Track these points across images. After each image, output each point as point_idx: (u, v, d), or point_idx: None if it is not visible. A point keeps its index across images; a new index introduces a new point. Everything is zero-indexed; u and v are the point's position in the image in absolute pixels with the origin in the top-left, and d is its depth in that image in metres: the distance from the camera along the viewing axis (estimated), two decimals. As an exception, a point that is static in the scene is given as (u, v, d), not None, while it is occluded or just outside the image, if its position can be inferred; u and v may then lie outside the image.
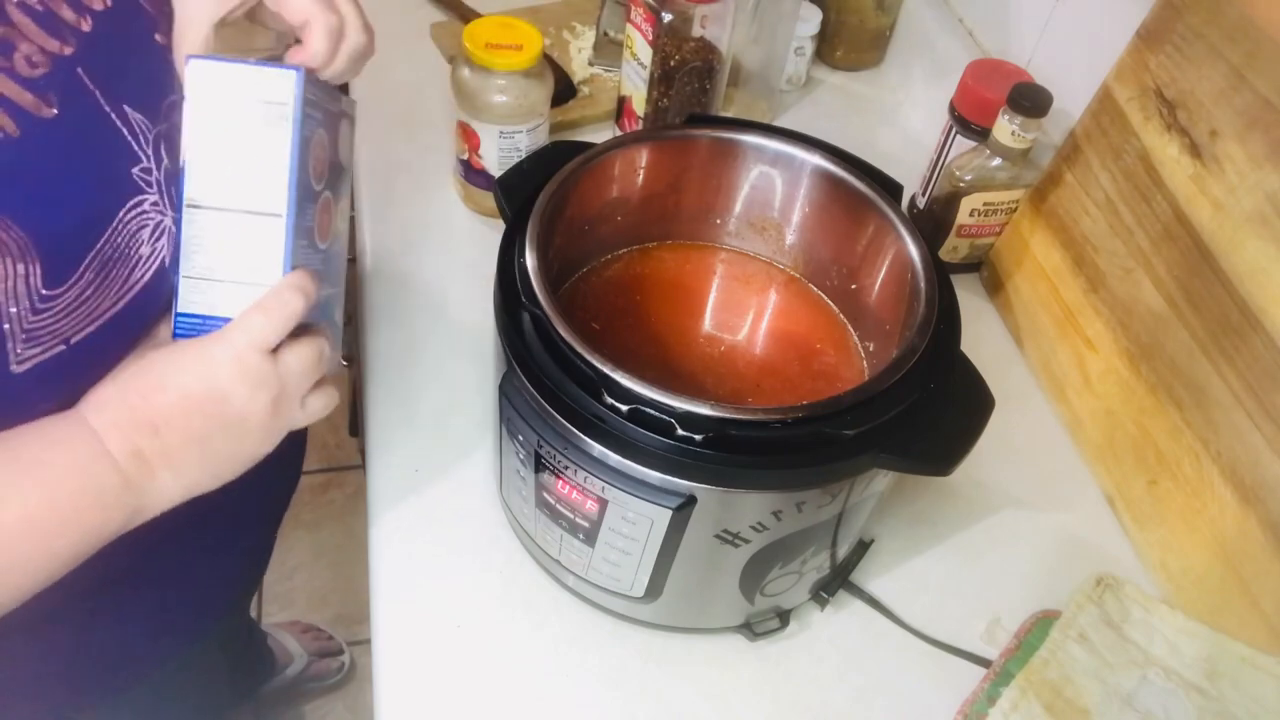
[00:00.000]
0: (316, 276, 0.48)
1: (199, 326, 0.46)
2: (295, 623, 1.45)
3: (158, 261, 0.49)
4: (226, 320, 0.45)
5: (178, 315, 0.46)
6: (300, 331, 0.47)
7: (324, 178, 0.49)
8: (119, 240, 0.46)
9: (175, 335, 0.46)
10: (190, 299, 0.46)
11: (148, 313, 0.48)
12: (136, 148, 0.46)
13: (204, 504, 0.48)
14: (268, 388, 0.46)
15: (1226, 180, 0.60)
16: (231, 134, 0.44)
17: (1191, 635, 0.61)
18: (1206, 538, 0.62)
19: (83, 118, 0.43)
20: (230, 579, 0.74)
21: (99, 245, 0.45)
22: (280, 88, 0.44)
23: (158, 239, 0.48)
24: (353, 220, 0.86)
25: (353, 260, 0.87)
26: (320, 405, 0.50)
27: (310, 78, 0.46)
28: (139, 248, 0.47)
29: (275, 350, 0.46)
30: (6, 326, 0.41)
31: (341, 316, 0.56)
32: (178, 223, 0.46)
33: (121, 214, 0.46)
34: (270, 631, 1.40)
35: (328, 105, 0.49)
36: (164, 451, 0.45)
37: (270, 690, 1.37)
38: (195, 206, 0.45)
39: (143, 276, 0.48)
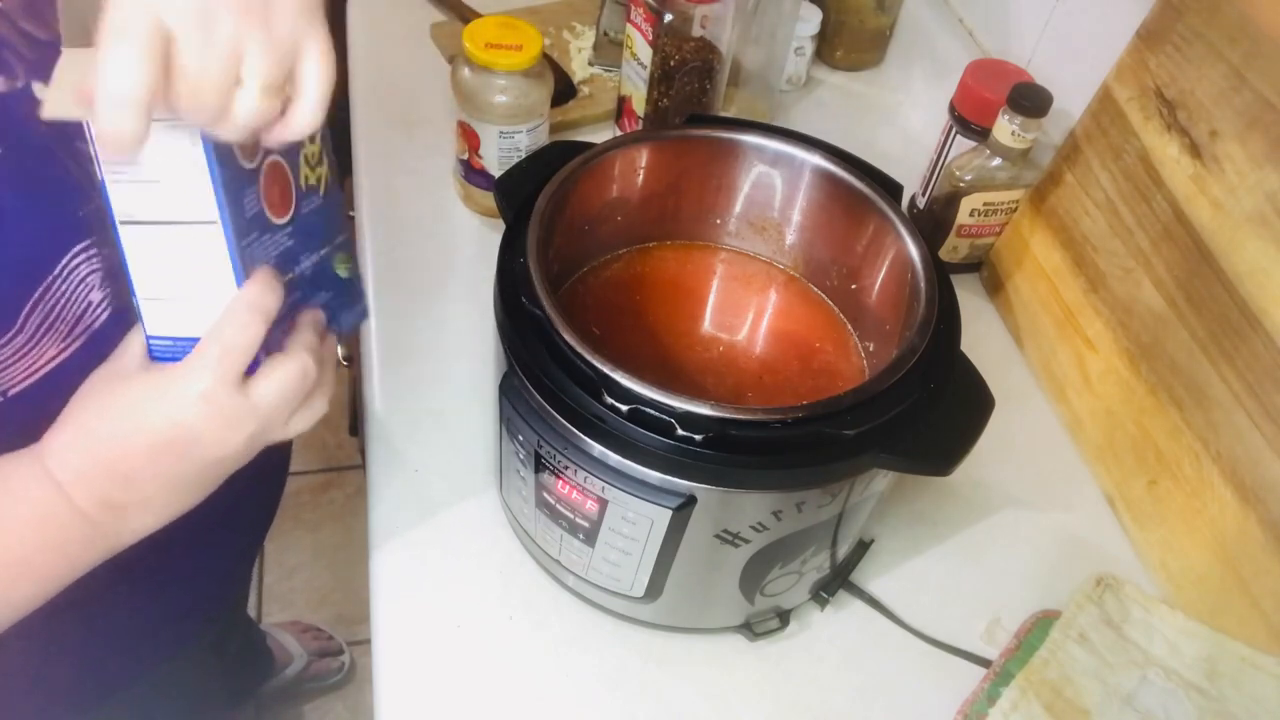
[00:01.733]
0: (278, 274, 0.43)
1: (171, 349, 0.43)
2: (295, 622, 1.45)
3: (110, 309, 0.45)
4: (196, 340, 0.42)
5: (149, 339, 0.43)
6: (293, 339, 0.44)
7: (258, 149, 0.42)
8: (64, 288, 0.44)
9: (152, 358, 0.43)
10: (154, 321, 0.43)
11: (96, 361, 0.44)
12: (86, 186, 0.43)
13: (190, 515, 0.46)
14: (241, 426, 0.42)
15: (1226, 180, 0.60)
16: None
17: (1191, 635, 0.61)
18: (1206, 538, 0.62)
19: (27, 155, 0.41)
20: (222, 577, 0.73)
21: (38, 295, 0.42)
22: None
23: (109, 283, 0.45)
24: (353, 220, 0.86)
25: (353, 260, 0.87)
26: (304, 424, 0.46)
27: None
28: (87, 293, 0.44)
29: (249, 375, 0.43)
30: None
31: (354, 267, 0.52)
32: (116, 241, 0.41)
33: (66, 260, 0.43)
34: (270, 631, 1.40)
35: None
36: (136, 498, 0.43)
37: (270, 690, 1.37)
38: (127, 223, 0.41)
39: (92, 323, 0.45)
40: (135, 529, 0.44)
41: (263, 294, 0.42)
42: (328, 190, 0.49)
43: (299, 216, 0.46)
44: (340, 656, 1.44)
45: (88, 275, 0.45)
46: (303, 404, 0.46)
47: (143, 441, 0.41)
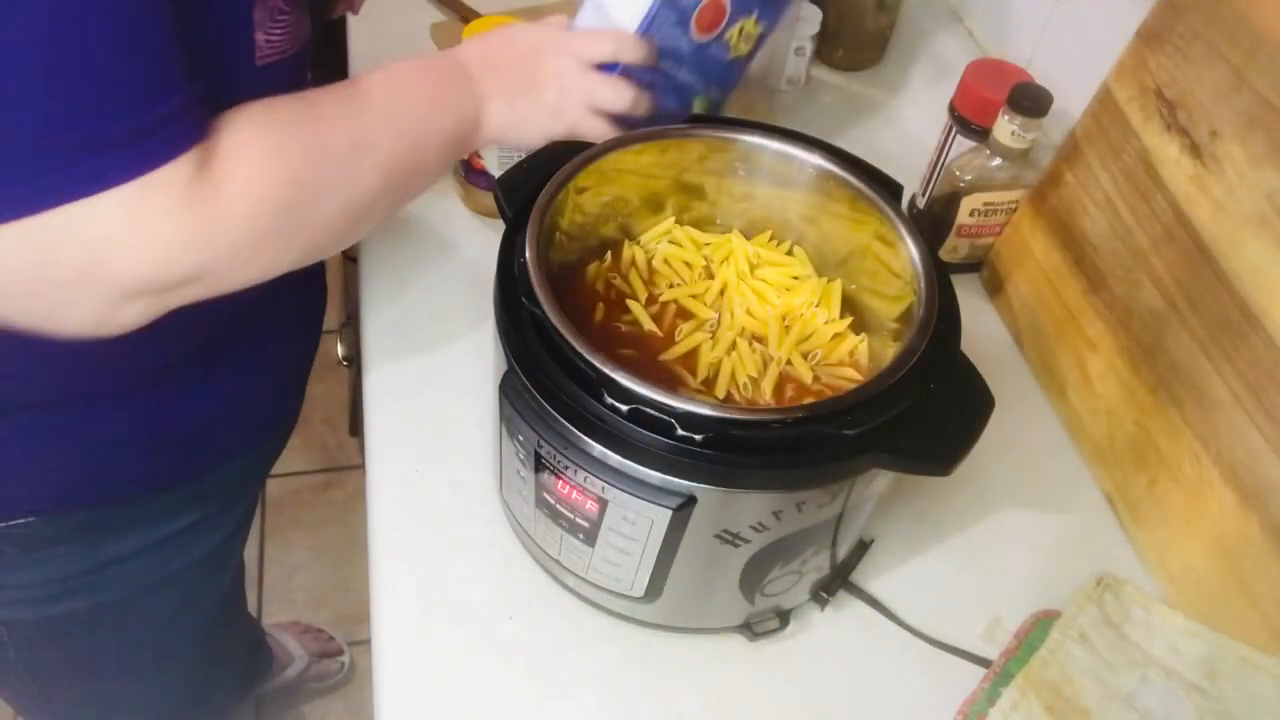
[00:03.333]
0: (656, 52, 0.63)
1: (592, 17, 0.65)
2: (295, 623, 1.45)
3: None
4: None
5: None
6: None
7: None
8: None
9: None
10: (585, 12, 0.65)
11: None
12: None
13: (260, 298, 0.54)
14: (569, 74, 0.62)
15: (1226, 180, 0.60)
16: None
17: (1191, 635, 0.61)
18: (1206, 538, 0.62)
19: None
20: (291, 369, 0.78)
21: None
22: None
23: None
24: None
25: (353, 260, 0.87)
26: (597, 126, 0.63)
27: None
28: None
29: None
30: (259, 35, 0.50)
31: (705, 104, 0.71)
32: None
33: None
34: (271, 632, 1.40)
35: None
36: (494, 76, 0.61)
37: (271, 689, 1.37)
38: None
39: None
40: (487, 112, 0.60)
41: (639, 46, 0.63)
42: (744, 64, 0.72)
43: (707, 51, 0.67)
44: (340, 657, 1.44)
45: None
46: (610, 118, 0.63)
47: (516, 47, 0.63)
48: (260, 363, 0.70)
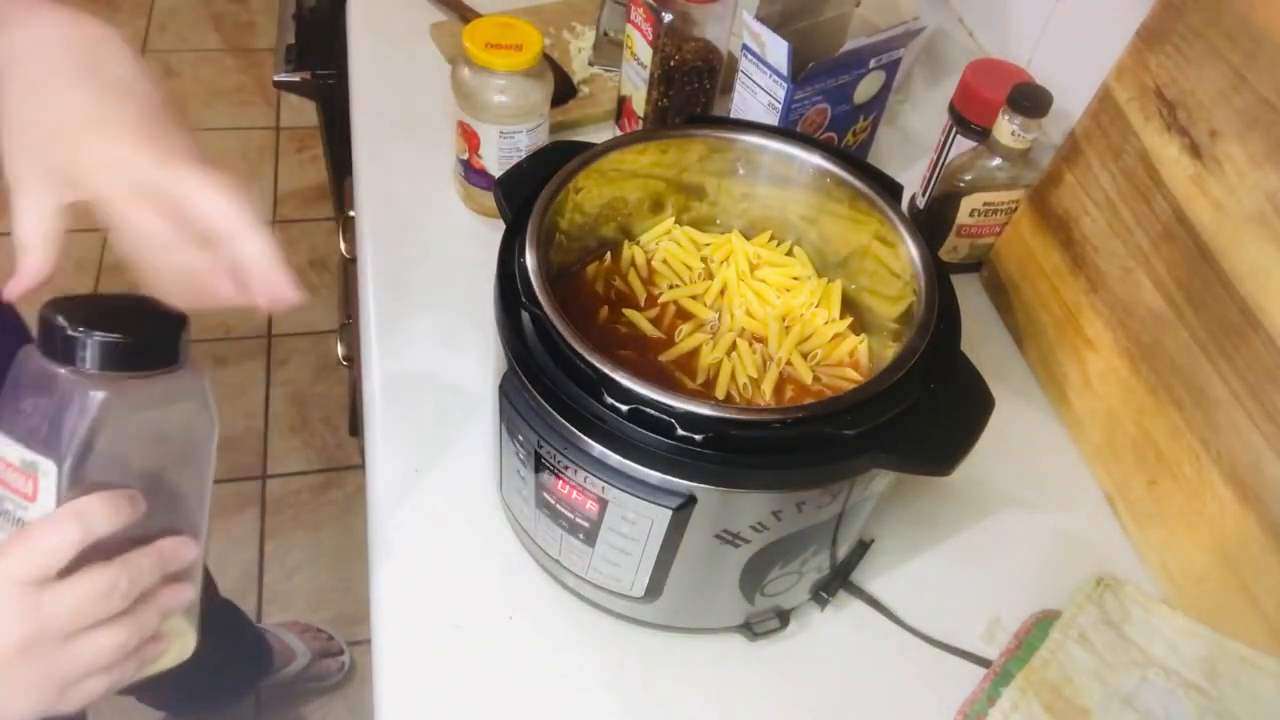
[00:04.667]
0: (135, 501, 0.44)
1: None
2: (294, 623, 1.45)
3: None
4: None
5: None
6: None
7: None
8: None
9: None
10: None
11: None
12: None
13: None
14: (17, 625, 0.40)
15: (1226, 180, 0.60)
16: None
17: (1191, 635, 0.61)
18: (1206, 538, 0.62)
19: None
20: None
21: None
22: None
23: None
24: (353, 220, 0.86)
25: (353, 260, 0.87)
26: (93, 652, 0.42)
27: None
28: None
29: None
30: None
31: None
32: None
33: None
34: (272, 629, 1.40)
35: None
36: None
37: (271, 687, 1.37)
38: None
39: None
40: None
41: (96, 506, 0.41)
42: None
43: None
44: (340, 657, 1.44)
45: None
46: (100, 626, 0.43)
47: None
48: None
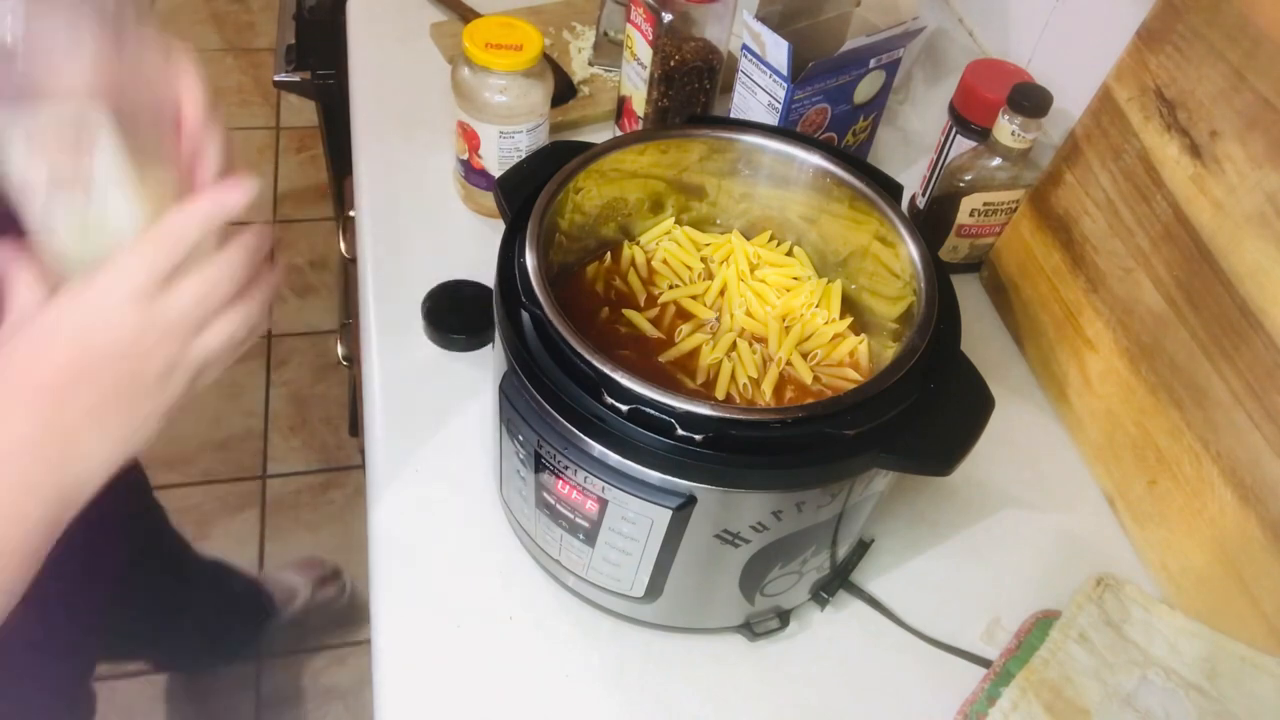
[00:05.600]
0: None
1: None
2: (288, 563, 1.49)
3: None
4: None
5: None
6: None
7: None
8: None
9: None
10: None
11: None
12: None
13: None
14: (149, 330, 0.42)
15: (1226, 180, 0.60)
16: None
17: (1191, 635, 0.61)
18: (1206, 538, 0.62)
19: None
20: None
21: None
22: None
23: None
24: (353, 220, 0.86)
25: (353, 260, 0.87)
26: (218, 337, 0.45)
27: None
28: None
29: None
30: None
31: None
32: None
33: None
34: (267, 576, 1.44)
35: None
36: (71, 419, 0.42)
37: (278, 628, 1.40)
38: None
39: None
40: (88, 453, 0.43)
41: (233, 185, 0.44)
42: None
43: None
44: (339, 580, 1.47)
45: None
46: (222, 313, 0.45)
47: (56, 355, 0.41)
48: None
